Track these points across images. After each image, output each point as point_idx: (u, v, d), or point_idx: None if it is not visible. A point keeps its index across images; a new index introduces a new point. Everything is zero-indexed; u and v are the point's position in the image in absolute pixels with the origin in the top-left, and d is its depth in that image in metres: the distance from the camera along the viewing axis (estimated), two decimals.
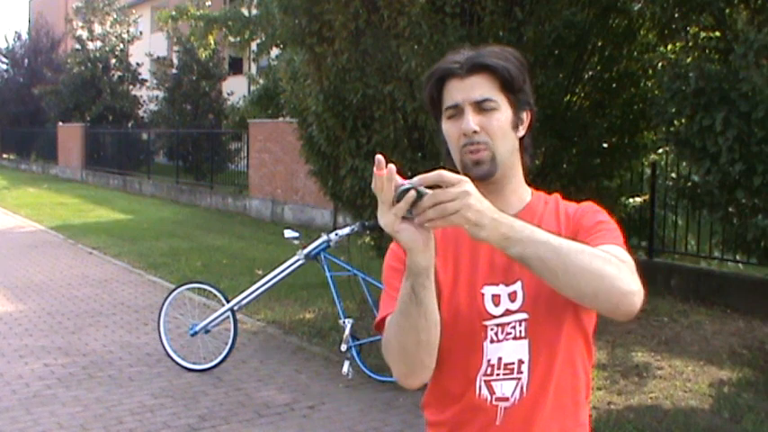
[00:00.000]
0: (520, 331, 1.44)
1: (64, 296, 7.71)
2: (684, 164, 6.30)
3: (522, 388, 1.44)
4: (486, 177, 1.44)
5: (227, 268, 9.06)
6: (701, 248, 7.93)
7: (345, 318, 5.00)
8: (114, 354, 5.73)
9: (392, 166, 1.22)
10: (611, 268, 1.29)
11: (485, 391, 1.45)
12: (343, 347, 4.95)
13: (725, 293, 7.23)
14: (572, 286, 1.28)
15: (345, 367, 4.84)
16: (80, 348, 5.86)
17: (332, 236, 5.09)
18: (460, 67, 1.46)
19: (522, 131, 1.50)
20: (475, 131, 1.42)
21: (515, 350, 1.44)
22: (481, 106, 1.44)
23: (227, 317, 5.35)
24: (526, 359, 1.44)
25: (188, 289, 5.80)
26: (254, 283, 5.41)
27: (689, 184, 5.51)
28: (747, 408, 4.61)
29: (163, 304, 5.56)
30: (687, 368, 5.38)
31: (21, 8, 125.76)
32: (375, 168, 1.22)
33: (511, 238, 1.25)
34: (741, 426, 4.37)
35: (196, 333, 5.38)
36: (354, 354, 4.97)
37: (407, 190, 1.21)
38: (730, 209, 5.02)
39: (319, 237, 5.14)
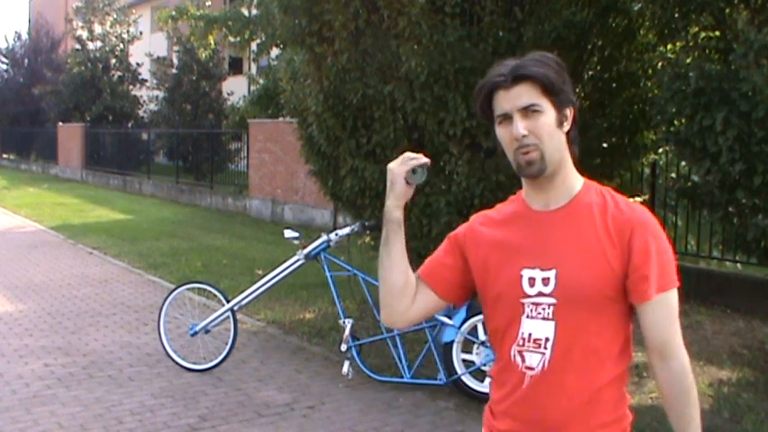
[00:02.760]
0: (548, 313, 1.64)
1: (64, 296, 7.71)
2: (684, 164, 6.29)
3: (544, 362, 1.64)
4: (538, 175, 1.65)
5: (227, 268, 9.06)
6: (700, 248, 7.93)
7: (345, 318, 5.00)
8: (114, 354, 5.73)
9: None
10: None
11: (518, 359, 1.67)
12: (343, 347, 4.95)
13: (725, 293, 7.23)
14: None
15: (345, 367, 4.83)
16: (80, 348, 5.86)
17: (332, 236, 5.09)
18: (505, 79, 1.63)
19: (567, 126, 1.67)
20: (524, 135, 1.61)
21: (543, 329, 1.64)
22: (527, 111, 1.61)
23: (227, 317, 5.34)
24: (551, 338, 1.63)
25: (188, 289, 5.79)
26: (254, 283, 5.41)
27: (689, 184, 5.51)
28: (747, 408, 4.61)
29: (163, 304, 5.56)
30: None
31: (21, 8, 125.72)
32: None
33: None
34: (741, 426, 4.37)
35: (196, 333, 5.38)
36: (354, 354, 4.97)
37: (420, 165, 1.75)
38: (730, 209, 5.01)
39: (319, 237, 5.13)
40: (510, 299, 1.67)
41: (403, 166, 1.72)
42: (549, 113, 1.62)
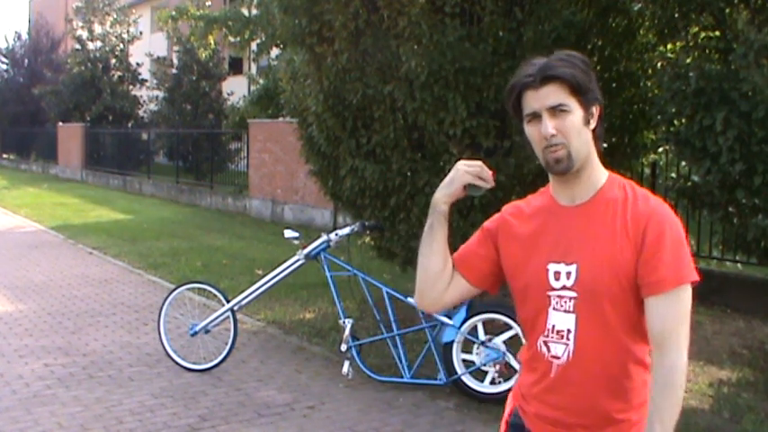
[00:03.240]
0: (570, 306, 1.72)
1: (64, 296, 7.71)
2: (684, 164, 6.29)
3: (569, 353, 1.72)
4: (565, 172, 1.72)
5: (227, 268, 9.06)
6: (700, 248, 7.92)
7: (345, 318, 5.00)
8: (114, 354, 5.73)
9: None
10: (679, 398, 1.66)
11: (543, 348, 1.76)
12: (343, 347, 4.95)
13: (725, 293, 7.23)
14: None
15: (345, 367, 4.84)
16: (80, 348, 5.86)
17: (332, 236, 5.09)
18: (534, 80, 1.68)
19: (593, 124, 1.74)
20: (553, 135, 1.68)
21: (565, 321, 1.73)
22: (555, 111, 1.68)
23: (227, 317, 5.34)
24: (573, 330, 1.71)
25: (188, 289, 5.79)
26: (254, 283, 5.41)
27: (689, 184, 5.51)
28: (747, 408, 4.61)
29: (163, 304, 5.56)
30: (687, 368, 5.37)
31: (21, 8, 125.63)
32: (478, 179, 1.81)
33: None
34: (741, 426, 4.37)
35: (196, 333, 5.38)
36: (354, 354, 4.97)
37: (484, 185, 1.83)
38: (730, 209, 5.01)
39: (319, 237, 5.13)
40: (537, 291, 1.75)
41: (469, 176, 1.80)
42: (576, 113, 1.68)
